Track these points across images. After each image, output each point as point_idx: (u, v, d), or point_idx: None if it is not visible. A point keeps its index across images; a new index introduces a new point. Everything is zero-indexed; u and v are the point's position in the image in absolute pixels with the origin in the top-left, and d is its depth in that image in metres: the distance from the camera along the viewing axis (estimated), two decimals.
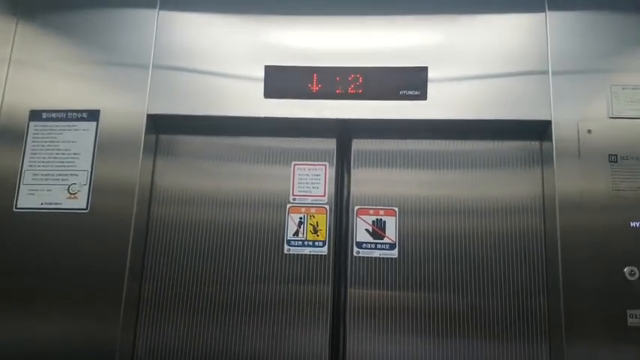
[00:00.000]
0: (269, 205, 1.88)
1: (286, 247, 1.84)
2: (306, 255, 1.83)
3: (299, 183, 1.89)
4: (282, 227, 1.85)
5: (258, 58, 1.88)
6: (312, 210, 1.86)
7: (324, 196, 1.87)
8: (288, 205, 1.87)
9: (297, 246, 1.83)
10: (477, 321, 1.76)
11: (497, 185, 1.85)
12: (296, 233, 1.84)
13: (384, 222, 1.85)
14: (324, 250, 1.82)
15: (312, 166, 1.90)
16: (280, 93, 1.85)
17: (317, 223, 1.85)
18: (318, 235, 1.83)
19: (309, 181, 1.89)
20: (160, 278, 1.85)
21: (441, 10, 1.89)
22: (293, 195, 1.88)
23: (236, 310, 1.81)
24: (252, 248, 1.85)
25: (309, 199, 1.87)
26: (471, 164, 1.88)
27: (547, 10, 1.86)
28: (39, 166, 1.84)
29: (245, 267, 1.84)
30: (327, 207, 1.86)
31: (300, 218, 1.85)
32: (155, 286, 1.85)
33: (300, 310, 1.80)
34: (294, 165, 1.91)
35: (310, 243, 1.83)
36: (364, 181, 1.89)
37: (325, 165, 1.90)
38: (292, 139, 1.93)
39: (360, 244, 1.84)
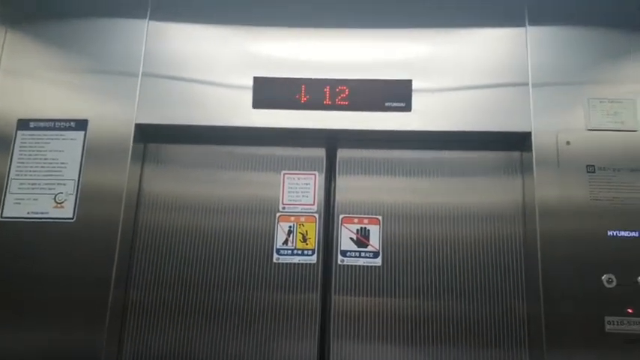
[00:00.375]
0: (258, 213, 1.89)
1: (275, 255, 1.85)
2: (295, 264, 1.84)
3: (289, 192, 1.91)
4: (271, 236, 1.87)
5: (247, 69, 1.91)
6: (302, 219, 1.88)
7: (314, 204, 1.89)
8: (278, 214, 1.89)
9: (287, 255, 1.85)
10: (458, 328, 1.79)
11: (479, 194, 1.89)
12: (285, 242, 1.86)
13: (368, 230, 1.88)
14: (314, 259, 1.84)
15: (302, 175, 1.92)
16: (269, 104, 1.88)
17: (306, 231, 1.86)
18: (307, 244, 1.85)
19: (299, 190, 1.91)
20: (147, 286, 1.85)
21: (426, 24, 1.94)
22: (282, 204, 1.90)
23: (224, 318, 1.82)
24: (242, 257, 1.86)
25: (299, 208, 1.89)
26: (453, 173, 1.92)
27: (527, 24, 1.92)
28: (26, 175, 1.83)
29: (234, 275, 1.84)
30: (317, 215, 1.88)
31: (290, 227, 1.87)
32: (142, 295, 1.85)
33: (289, 318, 1.81)
34: (284, 174, 1.93)
35: (299, 252, 1.85)
36: (349, 190, 1.92)
37: (315, 174, 1.92)
38: (282, 148, 1.95)
39: (344, 253, 1.86)
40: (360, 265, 1.85)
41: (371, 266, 1.85)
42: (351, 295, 1.83)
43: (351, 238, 1.87)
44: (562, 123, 1.82)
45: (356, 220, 1.89)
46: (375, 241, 1.87)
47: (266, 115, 1.87)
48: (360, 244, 1.87)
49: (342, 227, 1.88)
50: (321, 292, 1.82)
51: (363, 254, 1.86)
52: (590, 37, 1.89)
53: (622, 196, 1.75)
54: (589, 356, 1.65)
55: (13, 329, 1.73)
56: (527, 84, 1.86)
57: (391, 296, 1.82)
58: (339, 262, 1.85)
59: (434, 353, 1.78)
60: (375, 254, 1.85)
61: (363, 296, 1.82)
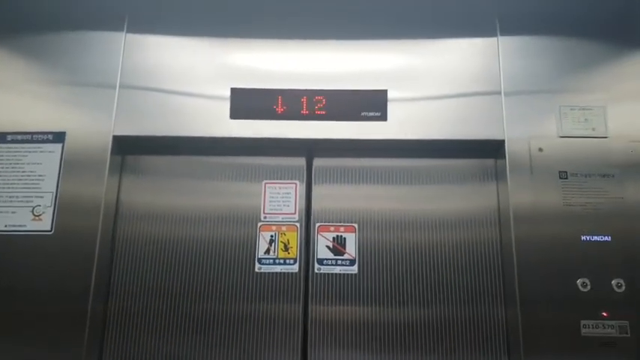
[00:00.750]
0: (240, 223, 1.90)
1: (257, 265, 1.86)
2: (277, 273, 1.85)
3: (270, 201, 1.92)
4: (253, 245, 1.87)
5: (224, 80, 1.93)
6: (283, 228, 1.89)
7: (295, 213, 1.91)
8: (259, 224, 1.90)
9: (269, 264, 1.85)
10: (437, 335, 1.81)
11: (454, 200, 1.92)
12: (267, 251, 1.86)
13: (344, 238, 1.89)
14: (295, 268, 1.85)
15: (283, 185, 1.94)
16: (246, 114, 1.90)
17: (288, 240, 1.87)
18: (288, 253, 1.86)
19: (280, 200, 1.92)
20: (127, 298, 1.85)
21: (400, 35, 1.98)
22: (264, 213, 1.91)
23: (206, 329, 1.81)
24: (224, 267, 1.86)
25: (280, 217, 1.90)
26: (429, 180, 1.95)
27: (499, 34, 1.97)
28: (3, 188, 1.83)
29: (216, 286, 1.85)
30: (298, 225, 1.89)
31: (272, 236, 1.88)
32: (122, 306, 1.84)
33: (272, 327, 1.81)
34: (265, 183, 1.94)
35: (281, 261, 1.86)
36: (325, 199, 1.94)
37: (296, 183, 1.94)
38: (262, 158, 1.97)
39: (320, 261, 1.87)
40: (336, 273, 1.86)
41: (347, 274, 1.86)
42: (328, 304, 1.83)
43: (328, 246, 1.88)
44: (534, 130, 1.86)
45: (332, 229, 1.90)
46: (351, 249, 1.88)
47: (244, 126, 1.89)
48: (337, 252, 1.88)
49: (318, 235, 1.90)
50: (303, 301, 1.83)
51: (339, 262, 1.87)
52: (561, 47, 1.94)
53: (594, 202, 1.79)
54: (567, 359, 1.66)
55: None
56: (499, 93, 1.90)
57: (369, 304, 1.83)
58: (315, 271, 1.86)
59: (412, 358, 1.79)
60: (352, 262, 1.87)
61: (340, 304, 1.83)
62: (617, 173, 1.80)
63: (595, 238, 1.75)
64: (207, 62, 1.95)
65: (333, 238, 1.89)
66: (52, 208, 1.80)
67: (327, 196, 1.94)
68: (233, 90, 1.92)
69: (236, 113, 1.90)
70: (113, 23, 1.98)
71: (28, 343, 1.71)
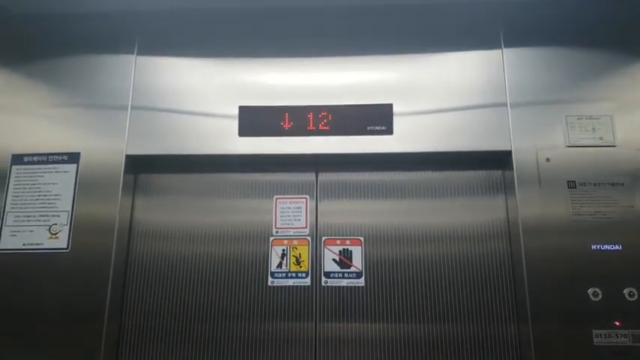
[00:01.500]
0: (252, 238, 1.93)
1: (270, 279, 1.88)
2: (289, 287, 1.87)
3: (281, 216, 1.95)
4: (265, 260, 1.90)
5: (232, 99, 1.97)
6: (295, 242, 1.91)
7: (306, 227, 1.93)
8: (271, 238, 1.92)
9: (281, 277, 1.88)
10: (445, 349, 1.81)
11: (462, 213, 1.93)
12: (279, 265, 1.89)
13: (351, 251, 1.91)
14: (307, 281, 1.87)
15: (294, 200, 1.96)
16: (254, 131, 1.93)
17: (299, 254, 1.90)
18: (300, 267, 1.88)
19: (291, 214, 1.95)
20: (140, 316, 1.88)
21: (404, 50, 2.00)
22: (275, 228, 1.94)
23: (220, 347, 1.84)
24: (236, 282, 1.89)
25: (292, 232, 1.93)
26: (436, 194, 1.95)
27: (503, 46, 1.98)
28: (21, 207, 1.89)
29: (228, 301, 1.87)
30: (309, 238, 1.92)
31: (283, 250, 1.90)
32: (136, 324, 1.87)
33: (286, 341, 1.83)
34: (276, 199, 1.97)
35: (294, 274, 1.88)
36: (331, 212, 1.96)
37: (306, 198, 1.97)
38: (273, 174, 2.00)
39: (327, 274, 1.89)
40: (343, 286, 1.87)
41: (354, 287, 1.87)
42: (335, 317, 1.85)
43: (334, 260, 1.90)
44: (541, 141, 1.86)
45: (338, 242, 1.92)
46: (357, 262, 1.89)
47: (252, 143, 1.93)
48: (343, 265, 1.90)
49: (325, 249, 1.91)
50: (316, 313, 1.85)
51: (346, 275, 1.88)
52: (566, 57, 1.94)
53: (603, 210, 1.78)
54: None
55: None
56: (505, 104, 1.91)
57: (376, 317, 1.84)
58: (322, 284, 1.88)
59: None
60: (358, 274, 1.88)
61: (347, 317, 1.84)
62: (627, 181, 1.80)
63: (605, 247, 1.75)
64: (216, 82, 1.99)
65: (340, 251, 1.91)
66: (68, 227, 1.85)
67: (334, 210, 1.96)
68: (241, 108, 1.95)
69: (244, 131, 1.94)
70: (124, 46, 2.04)
71: None
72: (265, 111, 1.95)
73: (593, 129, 1.86)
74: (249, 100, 1.97)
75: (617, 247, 1.74)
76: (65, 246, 1.84)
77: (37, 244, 1.85)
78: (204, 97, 1.98)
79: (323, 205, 1.97)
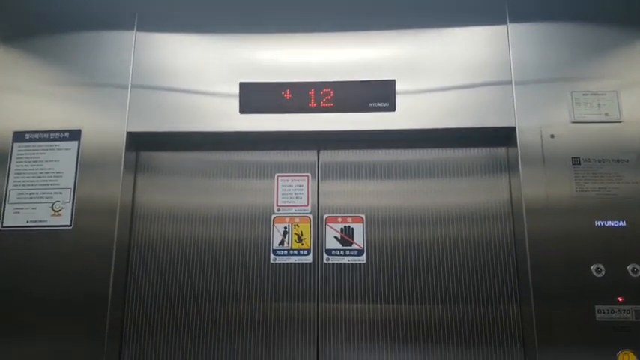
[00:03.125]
0: (253, 217, 1.93)
1: (272, 256, 1.89)
2: (291, 264, 1.87)
3: (282, 194, 1.95)
4: (267, 238, 1.90)
5: (233, 75, 1.95)
6: (296, 220, 1.92)
7: (307, 205, 1.93)
8: (273, 216, 1.93)
9: (283, 255, 1.88)
10: (448, 328, 1.81)
11: (465, 193, 1.92)
12: (281, 243, 1.90)
13: (352, 229, 1.91)
14: (309, 258, 1.88)
15: (295, 177, 1.96)
16: (255, 108, 1.92)
17: (301, 232, 1.90)
18: (302, 244, 1.89)
19: (293, 192, 1.95)
20: (143, 295, 1.89)
21: (407, 26, 1.97)
22: (277, 206, 1.94)
23: (222, 325, 1.85)
24: (238, 261, 1.90)
25: (293, 210, 1.93)
26: (439, 173, 1.94)
27: (508, 22, 1.95)
28: (23, 185, 1.89)
29: (231, 280, 1.88)
30: (311, 216, 1.92)
31: (285, 228, 1.91)
32: (139, 303, 1.89)
33: (288, 318, 1.84)
34: (278, 177, 1.97)
35: (295, 252, 1.89)
36: (333, 190, 1.96)
37: (308, 176, 1.96)
38: (274, 152, 1.99)
39: (329, 251, 1.89)
40: (345, 263, 1.88)
41: (356, 264, 1.87)
42: (336, 294, 1.86)
43: (336, 237, 1.90)
44: (546, 117, 1.85)
45: (340, 219, 1.92)
46: (359, 239, 1.89)
47: (253, 120, 1.91)
48: (345, 242, 1.90)
49: (327, 226, 1.92)
50: (318, 289, 1.85)
51: (347, 252, 1.89)
52: (572, 33, 1.91)
53: (608, 187, 1.77)
54: (582, 346, 1.66)
55: (13, 340, 1.77)
56: (509, 81, 1.89)
57: (377, 295, 1.85)
58: (324, 261, 1.88)
59: (425, 355, 1.80)
60: (360, 252, 1.88)
61: (348, 294, 1.85)
62: (632, 158, 1.78)
63: (609, 223, 1.74)
64: (216, 58, 1.98)
65: (341, 229, 1.91)
66: (70, 204, 1.86)
67: (336, 187, 1.95)
68: (242, 84, 1.94)
69: (245, 107, 1.92)
70: (123, 22, 2.01)
71: (49, 340, 1.76)
72: (266, 87, 1.93)
73: (599, 105, 1.84)
74: (250, 76, 1.95)
75: (621, 224, 1.74)
76: (68, 223, 1.84)
77: (41, 221, 1.85)
78: (204, 74, 1.96)
79: (325, 183, 1.96)
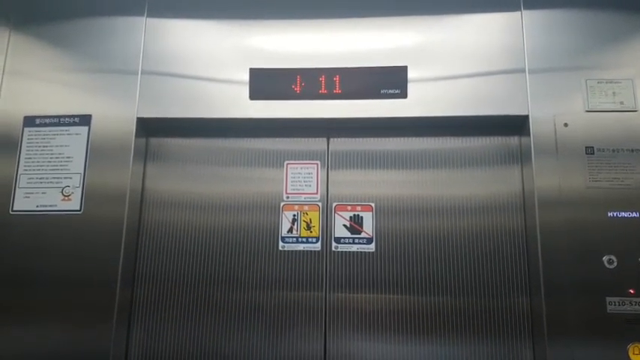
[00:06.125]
0: (263, 203, 1.93)
1: (281, 244, 1.89)
2: (300, 251, 1.87)
3: (292, 182, 1.95)
4: (276, 226, 1.90)
5: (243, 62, 1.94)
6: (305, 207, 1.91)
7: (317, 193, 1.93)
8: (282, 203, 1.92)
9: (292, 242, 1.88)
10: (457, 320, 1.80)
11: (477, 182, 1.90)
12: (290, 230, 1.90)
13: (362, 217, 1.90)
14: (318, 246, 1.88)
15: (305, 165, 1.96)
16: (265, 95, 1.91)
17: (310, 220, 1.90)
18: (311, 232, 1.89)
19: (302, 180, 1.94)
20: (152, 281, 1.90)
21: (420, 11, 1.95)
22: (286, 193, 1.93)
23: (230, 312, 1.86)
24: (247, 248, 1.90)
25: (302, 197, 1.93)
26: (451, 163, 1.92)
27: (522, 8, 1.91)
28: (34, 170, 1.90)
29: (240, 267, 1.88)
30: (320, 204, 1.91)
31: (294, 215, 1.91)
32: (148, 289, 1.89)
33: (296, 305, 1.84)
34: (287, 164, 1.96)
35: (304, 239, 1.88)
36: (343, 178, 1.95)
37: (317, 163, 1.96)
38: (284, 139, 1.98)
39: (338, 240, 1.89)
40: (354, 252, 1.87)
41: (365, 252, 1.87)
42: (345, 282, 1.85)
43: (345, 225, 1.90)
44: (560, 106, 1.82)
45: (349, 207, 1.91)
46: (368, 228, 1.89)
47: (263, 106, 1.90)
48: (354, 230, 1.89)
49: (336, 214, 1.91)
50: (326, 277, 1.85)
51: (356, 240, 1.88)
52: (586, 20, 1.88)
53: (621, 177, 1.74)
54: (593, 339, 1.64)
55: (23, 323, 1.79)
56: (523, 69, 1.86)
57: (386, 285, 1.84)
58: (332, 249, 1.88)
59: (433, 346, 1.80)
60: (369, 240, 1.88)
61: (357, 283, 1.85)
62: None
63: (622, 214, 1.71)
64: (226, 44, 1.97)
65: (350, 217, 1.90)
66: (80, 189, 1.86)
67: (345, 176, 1.94)
68: (252, 70, 1.93)
69: (255, 94, 1.91)
70: (134, 8, 2.01)
71: (57, 324, 1.77)
72: (276, 73, 1.92)
73: (614, 93, 1.81)
74: (260, 62, 1.94)
75: (634, 214, 1.71)
76: (78, 207, 1.85)
77: (51, 205, 1.86)
78: (214, 60, 1.95)
79: (334, 171, 1.96)
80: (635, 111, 1.79)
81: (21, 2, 2.05)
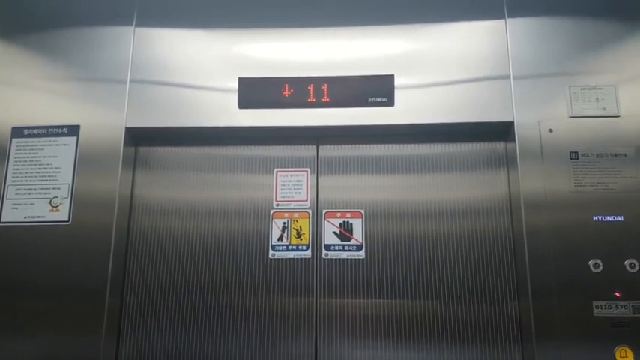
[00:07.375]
0: (252, 211, 1.93)
1: (271, 252, 1.89)
2: (290, 259, 1.88)
3: (281, 189, 1.95)
4: (266, 233, 1.90)
5: (232, 70, 1.95)
6: (295, 215, 1.92)
7: (307, 200, 1.93)
8: (272, 211, 1.93)
9: (282, 250, 1.88)
10: (446, 324, 1.81)
11: (464, 187, 1.92)
12: (280, 238, 1.90)
13: (351, 224, 1.91)
14: (308, 254, 1.88)
15: (294, 173, 1.96)
16: (254, 103, 1.92)
17: (300, 227, 1.90)
18: (301, 239, 1.89)
19: (292, 187, 1.95)
20: (142, 290, 1.89)
21: (406, 20, 1.97)
22: (276, 201, 1.94)
23: (221, 319, 1.85)
24: (237, 256, 1.90)
25: (292, 205, 1.93)
26: (438, 168, 1.94)
27: (506, 16, 1.94)
28: (22, 180, 1.89)
29: (230, 275, 1.88)
30: (310, 211, 1.92)
31: (284, 223, 1.91)
32: (137, 298, 1.88)
33: (286, 312, 1.84)
34: (277, 172, 1.97)
35: (294, 247, 1.89)
36: (332, 185, 1.96)
37: (307, 171, 1.96)
38: (273, 147, 1.99)
39: (328, 247, 1.89)
40: (344, 259, 1.88)
41: (355, 259, 1.88)
42: (335, 289, 1.86)
43: (335, 232, 1.91)
44: (544, 112, 1.84)
45: (339, 215, 1.92)
46: (358, 235, 1.90)
47: (252, 115, 1.91)
48: (344, 237, 1.90)
49: (325, 222, 1.92)
50: (316, 285, 1.86)
51: (346, 247, 1.89)
52: (569, 27, 1.91)
53: (606, 181, 1.77)
54: (580, 342, 1.66)
55: (9, 334, 1.77)
56: (508, 75, 1.88)
57: (376, 291, 1.85)
58: (323, 256, 1.88)
59: (423, 352, 1.80)
60: (359, 247, 1.89)
61: (347, 290, 1.85)
62: (630, 152, 1.78)
63: (607, 218, 1.74)
64: (215, 53, 1.97)
65: (340, 224, 1.91)
66: (68, 200, 1.86)
67: (335, 183, 1.95)
68: (241, 80, 1.94)
69: (244, 103, 1.92)
70: (122, 18, 2.01)
71: (47, 334, 1.76)
72: (265, 82, 1.93)
73: (597, 99, 1.84)
74: (249, 71, 1.95)
75: (619, 218, 1.74)
76: (66, 219, 1.84)
77: (39, 217, 1.85)
78: (203, 69, 1.96)
79: (324, 178, 1.96)
80: (618, 117, 1.82)
81: (8, 12, 2.04)
